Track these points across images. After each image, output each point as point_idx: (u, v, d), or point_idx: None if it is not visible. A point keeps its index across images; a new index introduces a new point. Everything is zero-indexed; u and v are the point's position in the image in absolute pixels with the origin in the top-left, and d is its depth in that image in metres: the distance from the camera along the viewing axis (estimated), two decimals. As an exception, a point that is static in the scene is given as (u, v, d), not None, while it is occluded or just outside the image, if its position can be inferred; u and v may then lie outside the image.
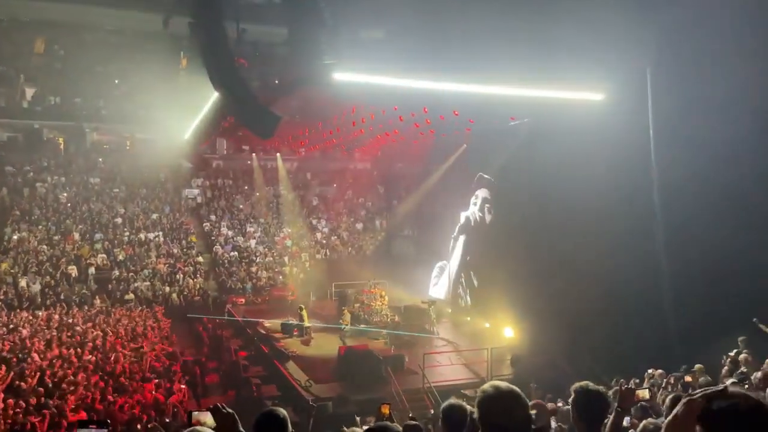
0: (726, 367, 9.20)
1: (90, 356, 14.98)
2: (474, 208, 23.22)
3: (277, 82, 15.10)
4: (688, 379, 8.26)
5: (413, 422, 4.50)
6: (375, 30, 16.47)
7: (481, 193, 22.82)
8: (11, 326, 18.08)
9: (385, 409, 4.77)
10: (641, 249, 14.24)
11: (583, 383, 3.39)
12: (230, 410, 2.89)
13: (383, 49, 15.45)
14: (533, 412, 4.36)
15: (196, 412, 3.14)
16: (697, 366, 9.24)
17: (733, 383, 7.03)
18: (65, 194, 29.12)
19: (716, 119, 12.02)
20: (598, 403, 3.27)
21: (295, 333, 19.52)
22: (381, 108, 18.60)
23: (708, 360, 9.67)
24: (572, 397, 3.38)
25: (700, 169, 12.18)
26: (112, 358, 14.85)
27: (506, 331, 18.08)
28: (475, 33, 13.75)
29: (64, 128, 32.58)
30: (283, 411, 3.05)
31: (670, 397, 3.36)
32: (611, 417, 3.71)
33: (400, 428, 3.93)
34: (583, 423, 3.25)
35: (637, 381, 10.21)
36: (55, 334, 17.14)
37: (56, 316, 19.80)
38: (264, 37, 16.47)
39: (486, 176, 22.51)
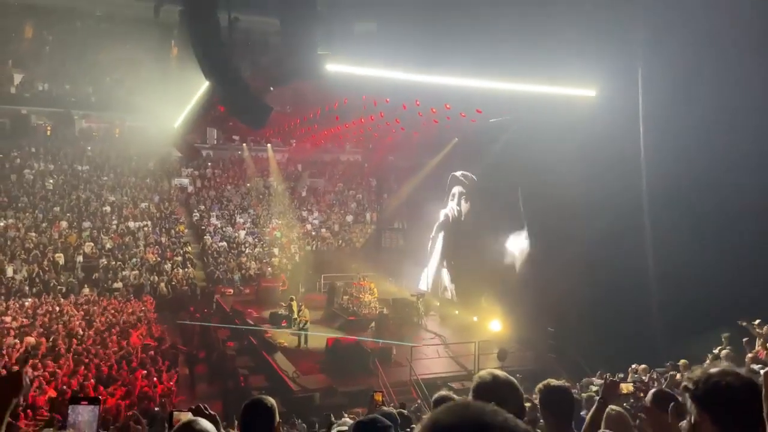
0: (707, 363, 9.29)
1: (72, 345, 14.94)
2: (452, 203, 23.76)
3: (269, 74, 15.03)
4: (678, 377, 8.34)
5: (403, 411, 4.54)
6: (368, 22, 16.41)
7: (457, 189, 23.39)
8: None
9: (378, 397, 4.79)
10: (628, 244, 14.34)
11: (546, 381, 3.39)
12: (212, 412, 2.84)
13: (376, 41, 15.41)
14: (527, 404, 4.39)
15: (177, 412, 3.08)
16: (682, 361, 9.34)
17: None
18: (52, 181, 28.85)
19: (707, 115, 12.11)
20: (563, 398, 3.28)
21: (283, 324, 19.50)
22: (372, 100, 18.56)
23: (693, 356, 9.78)
24: (538, 396, 3.39)
25: (689, 167, 12.27)
26: (99, 347, 14.81)
27: (493, 325, 18.15)
28: (467, 28, 13.76)
29: (53, 115, 32.24)
30: (270, 399, 3.05)
31: (651, 392, 3.39)
32: (593, 408, 3.74)
33: (393, 418, 3.94)
34: (552, 420, 3.25)
35: (621, 376, 10.31)
36: (39, 322, 17.07)
37: (44, 305, 19.67)
38: (256, 26, 16.36)
39: (457, 175, 23.07)
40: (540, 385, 3.35)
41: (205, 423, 2.42)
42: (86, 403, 1.93)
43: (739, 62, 11.65)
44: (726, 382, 1.95)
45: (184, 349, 17.13)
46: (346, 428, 3.92)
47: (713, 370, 2.01)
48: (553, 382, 3.34)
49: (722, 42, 11.84)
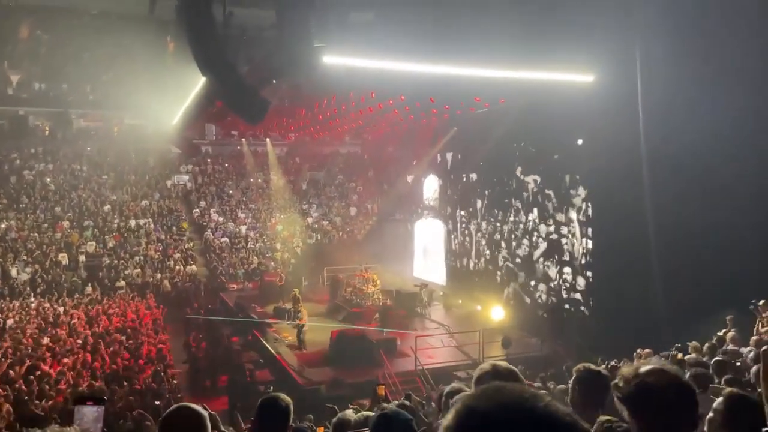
0: (707, 345, 9.23)
1: (78, 343, 14.99)
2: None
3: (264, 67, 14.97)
4: (680, 356, 8.32)
5: (407, 402, 4.54)
6: (364, 12, 16.26)
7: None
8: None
9: (381, 390, 4.79)
10: (631, 230, 14.31)
11: (585, 364, 3.38)
12: (211, 411, 2.81)
13: (373, 31, 15.28)
14: None
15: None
16: (693, 343, 9.29)
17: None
18: (49, 179, 28.82)
19: (706, 99, 12.04)
20: (600, 384, 3.26)
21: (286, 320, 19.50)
22: (370, 92, 18.49)
23: (698, 340, 9.76)
24: (574, 377, 3.36)
25: (690, 151, 12.21)
26: (103, 347, 14.85)
27: (495, 312, 18.13)
28: (464, 16, 13.66)
29: (50, 115, 32.14)
30: (287, 399, 3.02)
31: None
32: None
33: (412, 411, 3.93)
34: (583, 404, 3.23)
35: (625, 361, 10.30)
36: (42, 323, 17.14)
37: (47, 305, 19.71)
38: (252, 21, 16.23)
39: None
40: (579, 366, 3.34)
41: (195, 406, 2.40)
42: (92, 403, 1.93)
43: (741, 40, 11.56)
44: (649, 383, 1.87)
45: (184, 344, 17.17)
46: (348, 417, 3.92)
47: (642, 368, 1.92)
48: (592, 366, 3.34)
49: (721, 24, 11.75)
